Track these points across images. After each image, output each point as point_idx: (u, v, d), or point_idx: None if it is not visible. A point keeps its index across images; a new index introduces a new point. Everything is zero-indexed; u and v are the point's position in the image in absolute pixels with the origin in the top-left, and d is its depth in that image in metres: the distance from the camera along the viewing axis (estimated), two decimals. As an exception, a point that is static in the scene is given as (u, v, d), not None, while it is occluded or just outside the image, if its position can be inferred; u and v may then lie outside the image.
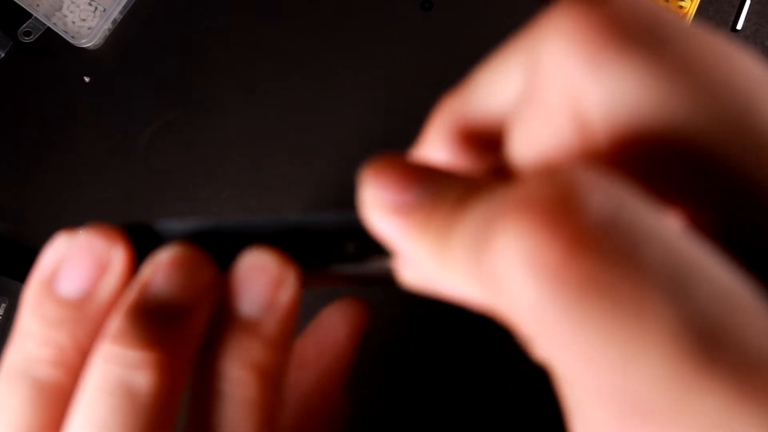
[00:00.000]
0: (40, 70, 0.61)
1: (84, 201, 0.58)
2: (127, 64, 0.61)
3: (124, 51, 0.62)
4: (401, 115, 0.58)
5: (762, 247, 0.11)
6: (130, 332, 0.15)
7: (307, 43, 0.61)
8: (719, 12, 0.59)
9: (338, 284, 0.18)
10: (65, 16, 0.62)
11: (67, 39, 0.60)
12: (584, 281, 0.09)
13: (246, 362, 0.16)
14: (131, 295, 0.16)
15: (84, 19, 0.62)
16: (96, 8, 0.62)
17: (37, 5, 0.61)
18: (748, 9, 0.59)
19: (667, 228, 0.10)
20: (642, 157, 0.11)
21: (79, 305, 0.16)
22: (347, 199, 0.59)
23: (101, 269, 0.16)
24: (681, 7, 0.58)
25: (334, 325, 0.22)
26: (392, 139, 0.57)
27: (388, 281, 0.17)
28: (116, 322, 0.15)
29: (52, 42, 0.61)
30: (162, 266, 0.16)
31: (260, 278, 0.16)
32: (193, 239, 0.17)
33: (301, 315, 0.17)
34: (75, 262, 0.16)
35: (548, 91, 0.12)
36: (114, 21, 0.62)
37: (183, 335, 0.16)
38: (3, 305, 0.51)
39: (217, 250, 0.17)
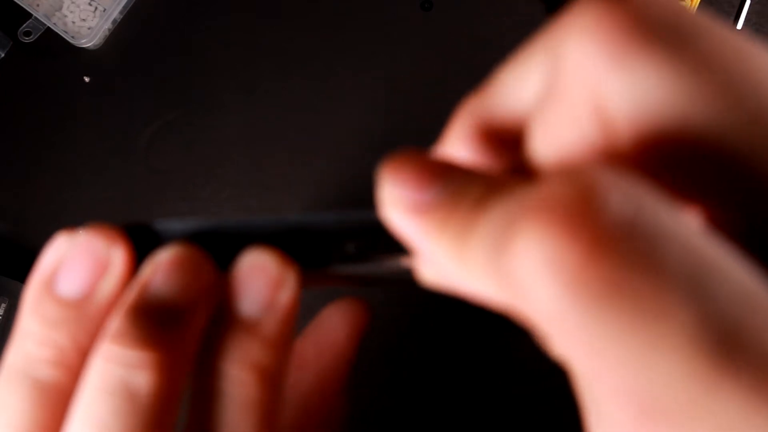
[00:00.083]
0: (40, 70, 0.61)
1: (84, 201, 0.57)
2: (127, 64, 0.61)
3: (124, 51, 0.62)
4: (401, 115, 0.58)
5: None
6: (130, 332, 0.15)
7: (307, 43, 0.61)
8: (719, 12, 0.59)
9: (338, 284, 0.18)
10: (65, 16, 0.62)
11: (67, 39, 0.60)
12: (604, 284, 0.09)
13: (246, 362, 0.16)
14: (131, 295, 0.16)
15: (84, 19, 0.62)
16: (96, 8, 0.62)
17: (37, 5, 0.61)
18: (748, 9, 0.59)
19: (687, 228, 0.10)
20: (664, 156, 0.11)
21: (78, 305, 0.16)
22: (347, 199, 0.59)
23: (101, 269, 0.16)
24: (681, 7, 0.58)
25: (334, 325, 0.22)
26: (392, 139, 0.57)
27: (388, 281, 0.17)
28: (116, 322, 0.15)
29: (52, 42, 0.61)
30: (162, 266, 0.16)
31: (260, 278, 0.16)
32: (193, 239, 0.17)
33: (301, 315, 0.17)
34: (75, 263, 0.16)
35: (570, 89, 0.12)
36: (114, 21, 0.62)
37: (183, 335, 0.16)
38: (3, 305, 0.51)
39: (217, 250, 0.17)
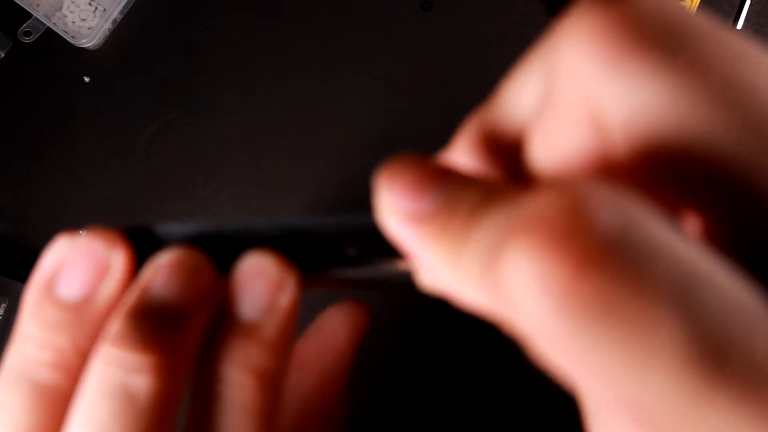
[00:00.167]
0: (40, 70, 0.61)
1: (84, 201, 0.58)
2: (127, 64, 0.61)
3: (124, 51, 0.62)
4: (401, 115, 0.58)
5: None
6: (129, 335, 0.15)
7: (307, 43, 0.60)
8: (719, 12, 0.59)
9: (339, 288, 0.18)
10: (65, 16, 0.62)
11: (67, 39, 0.60)
12: (593, 299, 0.09)
13: (246, 365, 0.16)
14: (131, 298, 0.16)
15: (84, 19, 0.62)
16: (96, 8, 0.62)
17: (37, 5, 0.61)
18: (748, 9, 0.59)
19: (678, 241, 0.10)
20: (660, 164, 0.11)
21: (78, 308, 0.16)
22: (347, 199, 0.59)
23: (101, 273, 0.16)
24: (681, 7, 0.58)
25: (335, 328, 0.22)
26: (392, 139, 0.57)
27: (388, 285, 0.17)
28: (116, 325, 0.15)
29: (52, 42, 0.61)
30: (162, 269, 0.16)
31: (260, 282, 0.16)
32: (194, 242, 0.17)
33: (302, 317, 0.17)
34: (75, 266, 0.17)
35: (566, 96, 0.12)
36: (114, 21, 0.62)
37: (183, 338, 0.16)
38: (3, 305, 0.51)
39: (218, 253, 0.17)
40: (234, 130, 0.59)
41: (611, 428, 0.11)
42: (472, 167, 0.16)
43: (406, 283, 0.17)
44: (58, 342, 0.16)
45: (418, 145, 0.57)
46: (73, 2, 0.62)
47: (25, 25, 0.61)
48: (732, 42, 0.11)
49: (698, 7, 0.58)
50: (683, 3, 0.58)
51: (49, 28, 0.61)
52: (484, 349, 0.51)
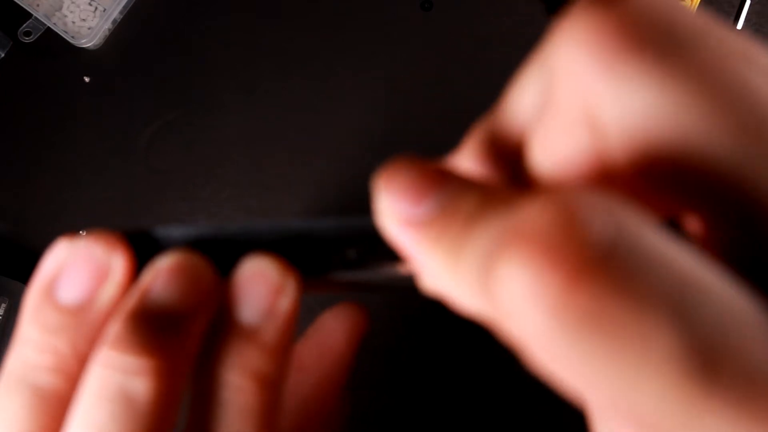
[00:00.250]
0: (40, 70, 0.61)
1: (84, 201, 0.58)
2: (127, 64, 0.61)
3: (124, 51, 0.62)
4: (401, 115, 0.58)
5: None
6: (128, 338, 0.15)
7: (307, 43, 0.60)
8: (719, 12, 0.59)
9: (339, 290, 0.18)
10: (65, 16, 0.62)
11: (67, 39, 0.60)
12: (586, 310, 0.09)
13: (245, 369, 0.16)
14: (131, 301, 0.16)
15: (84, 19, 0.62)
16: (96, 8, 0.62)
17: (37, 5, 0.61)
18: (748, 9, 0.59)
19: (671, 249, 0.10)
20: (656, 169, 0.11)
21: (78, 312, 0.16)
22: (347, 199, 0.59)
23: (101, 277, 0.16)
24: (681, 7, 0.58)
25: (333, 330, 0.23)
26: (392, 139, 0.57)
27: (389, 288, 0.17)
28: (115, 328, 0.16)
29: (52, 42, 0.61)
30: (162, 273, 0.16)
31: (260, 285, 0.16)
32: (194, 245, 0.17)
33: (301, 318, 0.17)
34: (75, 270, 0.17)
35: (563, 99, 0.12)
36: (114, 21, 0.62)
37: (182, 342, 0.16)
38: (3, 305, 0.51)
39: (218, 256, 0.17)
40: (234, 130, 0.59)
41: (615, 431, 0.11)
42: (478, 171, 0.16)
43: (406, 286, 0.17)
44: (58, 346, 0.16)
45: (418, 145, 0.57)
46: (73, 2, 0.62)
47: (25, 25, 0.61)
48: (731, 41, 0.11)
49: (698, 6, 0.58)
50: (683, 2, 0.58)
51: (49, 28, 0.61)
52: (483, 349, 0.51)
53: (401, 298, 0.51)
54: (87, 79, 0.61)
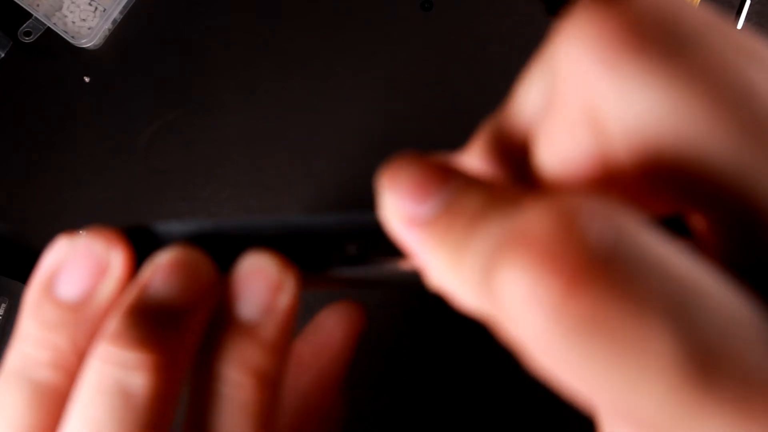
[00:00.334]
0: (40, 70, 0.61)
1: (84, 201, 0.58)
2: (127, 64, 0.61)
3: (124, 51, 0.62)
4: (401, 115, 0.58)
5: None
6: (127, 333, 0.15)
7: (307, 43, 0.61)
8: (719, 12, 0.59)
9: (339, 287, 0.18)
10: (65, 16, 0.62)
11: (67, 39, 0.60)
12: (586, 315, 0.09)
13: (244, 365, 0.16)
14: (130, 296, 0.16)
15: (84, 19, 0.62)
16: (96, 8, 0.62)
17: (37, 5, 0.61)
18: (748, 9, 0.59)
19: (670, 253, 0.10)
20: (658, 169, 0.11)
21: (77, 308, 0.16)
22: (347, 199, 0.59)
23: (100, 272, 0.16)
24: (681, 7, 0.58)
25: (332, 327, 0.23)
26: (392, 139, 0.57)
27: (389, 284, 0.17)
28: (114, 323, 0.16)
29: (52, 42, 0.61)
30: (161, 268, 0.16)
31: (259, 282, 0.16)
32: (193, 241, 0.17)
33: (301, 316, 0.17)
34: (74, 266, 0.17)
35: (566, 99, 0.12)
36: (114, 21, 0.62)
37: (181, 337, 0.16)
38: (3, 305, 0.51)
39: (218, 252, 0.17)
40: (234, 130, 0.59)
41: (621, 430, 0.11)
42: (484, 169, 0.16)
43: (406, 282, 0.17)
44: (57, 341, 0.16)
45: (418, 145, 0.56)
46: (73, 2, 0.62)
47: (25, 25, 0.61)
48: (736, 39, 0.11)
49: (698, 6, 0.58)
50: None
51: (49, 28, 0.61)
52: (482, 347, 0.51)
53: (400, 295, 0.51)
54: (87, 79, 0.61)
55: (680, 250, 0.10)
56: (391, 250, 0.16)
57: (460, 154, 0.17)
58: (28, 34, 0.61)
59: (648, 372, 0.09)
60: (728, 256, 0.11)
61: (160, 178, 0.58)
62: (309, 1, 0.62)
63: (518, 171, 0.16)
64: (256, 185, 0.57)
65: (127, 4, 0.62)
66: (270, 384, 0.16)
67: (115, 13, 0.61)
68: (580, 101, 0.12)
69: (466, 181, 0.13)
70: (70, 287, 0.16)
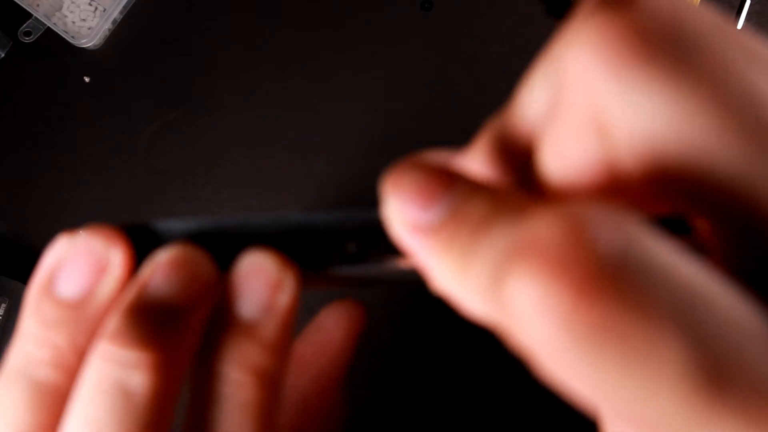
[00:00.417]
0: (40, 70, 0.61)
1: (84, 201, 0.58)
2: (127, 64, 0.61)
3: (124, 51, 0.62)
4: (401, 115, 0.58)
5: None
6: (126, 332, 0.15)
7: (307, 43, 0.61)
8: (719, 12, 0.59)
9: (339, 285, 0.18)
10: (65, 16, 0.62)
11: (67, 39, 0.60)
12: (595, 323, 0.09)
13: (244, 364, 0.16)
14: (130, 295, 0.16)
15: (84, 19, 0.62)
16: (96, 8, 0.62)
17: (37, 5, 0.61)
18: (748, 9, 0.59)
19: (679, 262, 0.10)
20: (665, 176, 0.11)
21: (77, 306, 0.16)
22: (347, 199, 0.59)
23: (100, 271, 0.16)
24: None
25: (332, 327, 0.23)
26: (392, 139, 0.57)
27: (389, 282, 0.17)
28: (114, 322, 0.15)
29: (52, 42, 0.61)
30: (161, 266, 0.16)
31: (259, 281, 0.16)
32: (194, 239, 0.17)
33: (300, 315, 0.17)
34: (74, 264, 0.17)
35: (572, 103, 0.12)
36: (114, 21, 0.62)
37: (181, 336, 0.16)
38: (3, 305, 0.51)
39: (218, 250, 0.17)
40: (234, 130, 0.59)
41: None
42: (486, 173, 0.16)
43: (406, 280, 0.17)
44: (57, 340, 0.16)
45: (418, 145, 0.56)
46: (73, 2, 0.62)
47: (25, 25, 0.61)
48: (743, 44, 0.11)
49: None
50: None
51: (49, 28, 0.61)
52: (482, 347, 0.51)
53: (400, 295, 0.51)
54: (87, 79, 0.61)
55: (688, 258, 0.10)
56: (391, 248, 0.16)
57: (462, 155, 0.17)
58: (28, 34, 0.61)
59: (658, 380, 0.09)
60: (733, 262, 0.11)
61: (160, 178, 0.58)
62: (309, 1, 0.62)
63: (521, 174, 0.16)
64: (256, 185, 0.57)
65: (127, 4, 0.62)
66: (270, 383, 0.16)
67: (115, 13, 0.61)
68: (586, 107, 0.12)
69: (470, 187, 0.13)
70: (70, 286, 0.16)
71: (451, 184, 0.13)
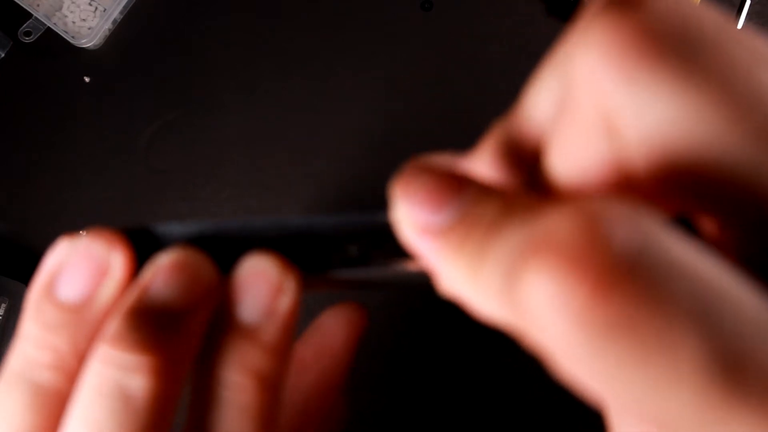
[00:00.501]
0: (40, 70, 0.61)
1: (84, 201, 0.58)
2: (127, 64, 0.61)
3: (124, 51, 0.62)
4: (401, 115, 0.58)
5: None
6: (127, 335, 0.15)
7: (307, 43, 0.60)
8: (720, 12, 0.59)
9: (340, 288, 0.18)
10: (65, 16, 0.62)
11: (67, 39, 0.60)
12: (612, 320, 0.09)
13: (245, 368, 0.16)
14: (130, 298, 0.16)
15: (84, 19, 0.62)
16: (96, 8, 0.62)
17: (37, 5, 0.61)
18: (748, 9, 0.59)
19: (694, 257, 0.10)
20: (675, 175, 0.11)
21: (78, 310, 0.16)
22: (347, 199, 0.59)
23: (101, 274, 0.16)
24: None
25: (333, 329, 0.22)
26: (392, 139, 0.57)
27: (390, 285, 0.17)
28: (114, 325, 0.15)
29: (52, 42, 0.61)
30: (162, 270, 0.16)
31: (260, 284, 0.16)
32: (194, 242, 0.17)
33: (301, 318, 0.17)
34: (75, 267, 0.17)
35: (581, 104, 0.12)
36: (114, 21, 0.62)
37: (181, 339, 0.16)
38: (3, 305, 0.51)
39: (219, 253, 0.17)
40: (234, 130, 0.59)
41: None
42: (494, 175, 0.16)
43: (407, 283, 0.17)
44: (57, 343, 0.16)
45: (418, 145, 0.57)
46: (73, 2, 0.62)
47: (25, 25, 0.61)
48: (746, 42, 0.11)
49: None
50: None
51: (49, 28, 0.61)
52: (483, 348, 0.51)
53: (401, 297, 0.51)
54: (87, 79, 0.61)
55: (704, 254, 0.10)
56: (392, 251, 0.16)
57: (468, 158, 0.17)
58: (28, 34, 0.61)
59: (674, 376, 0.09)
60: (742, 256, 0.11)
61: (160, 178, 0.58)
62: (309, 1, 0.62)
63: (529, 177, 0.16)
64: (256, 185, 0.57)
65: (127, 4, 0.62)
66: (271, 386, 0.16)
67: (115, 13, 0.61)
68: (596, 108, 0.12)
69: (480, 190, 0.13)
70: (71, 288, 0.16)
71: (461, 187, 0.13)
